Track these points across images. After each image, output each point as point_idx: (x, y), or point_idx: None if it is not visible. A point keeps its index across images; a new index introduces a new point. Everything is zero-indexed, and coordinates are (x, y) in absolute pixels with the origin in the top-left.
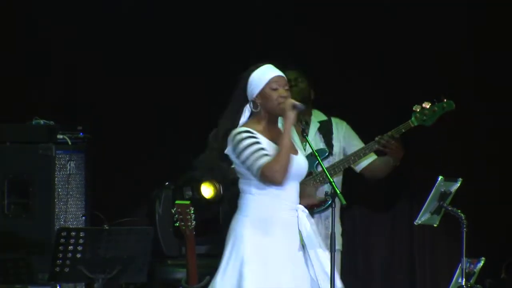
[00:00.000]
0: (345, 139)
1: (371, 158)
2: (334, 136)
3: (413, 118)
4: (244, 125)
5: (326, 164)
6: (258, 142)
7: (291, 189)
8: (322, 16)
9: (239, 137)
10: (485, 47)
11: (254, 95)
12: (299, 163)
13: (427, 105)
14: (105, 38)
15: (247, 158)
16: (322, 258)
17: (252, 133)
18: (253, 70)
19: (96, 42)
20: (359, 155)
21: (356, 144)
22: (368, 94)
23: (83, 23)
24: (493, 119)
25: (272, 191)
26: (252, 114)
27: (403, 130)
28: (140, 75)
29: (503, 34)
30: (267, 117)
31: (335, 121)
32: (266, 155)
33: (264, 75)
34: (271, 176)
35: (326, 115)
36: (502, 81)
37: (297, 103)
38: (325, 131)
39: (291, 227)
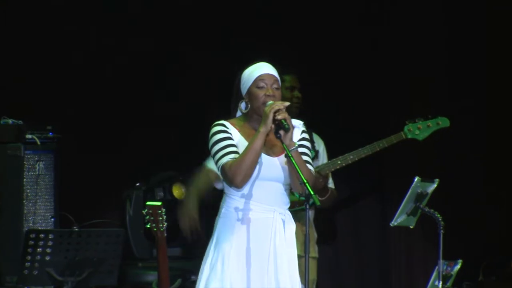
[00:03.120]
0: (321, 153)
1: None
2: (316, 144)
3: (405, 130)
4: (228, 119)
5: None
6: (229, 138)
7: (266, 190)
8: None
9: (212, 129)
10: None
11: (244, 94)
12: (275, 165)
13: (420, 119)
14: (76, 38)
15: (215, 153)
16: (291, 267)
17: (226, 127)
18: (245, 68)
19: (66, 42)
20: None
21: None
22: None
23: (53, 22)
24: (468, 118)
25: (245, 191)
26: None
27: (394, 141)
28: (109, 75)
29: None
30: (255, 117)
31: (314, 134)
32: (234, 152)
33: (252, 73)
34: (230, 176)
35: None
36: (474, 82)
37: (281, 107)
38: None
39: (264, 229)
